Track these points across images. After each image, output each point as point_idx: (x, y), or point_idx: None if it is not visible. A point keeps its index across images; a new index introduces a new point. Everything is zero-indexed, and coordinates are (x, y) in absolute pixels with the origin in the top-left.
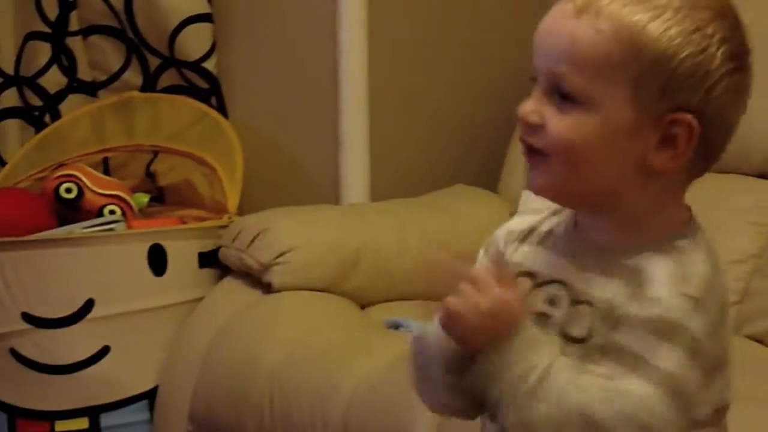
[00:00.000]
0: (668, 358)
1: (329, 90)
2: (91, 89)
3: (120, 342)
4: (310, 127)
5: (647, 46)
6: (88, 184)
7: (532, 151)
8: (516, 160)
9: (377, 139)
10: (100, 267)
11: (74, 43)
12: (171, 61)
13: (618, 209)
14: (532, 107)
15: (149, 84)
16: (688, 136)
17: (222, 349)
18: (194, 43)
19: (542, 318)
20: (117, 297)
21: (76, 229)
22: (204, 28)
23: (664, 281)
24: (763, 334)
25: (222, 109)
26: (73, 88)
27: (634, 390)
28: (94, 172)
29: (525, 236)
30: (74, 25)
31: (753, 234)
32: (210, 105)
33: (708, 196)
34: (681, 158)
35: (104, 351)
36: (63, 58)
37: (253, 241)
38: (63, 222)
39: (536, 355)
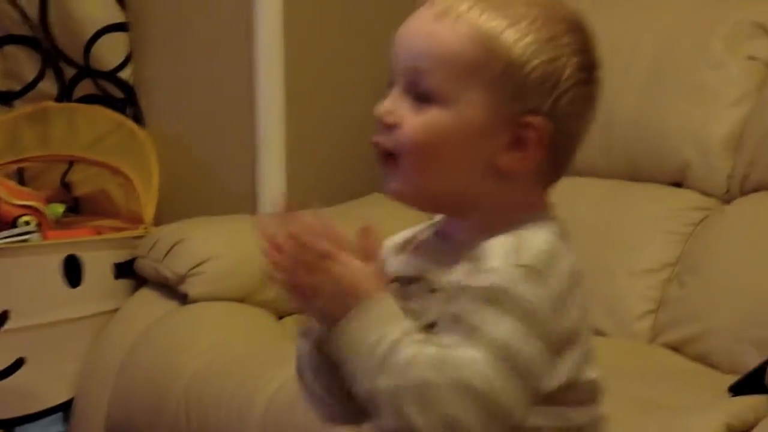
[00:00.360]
0: (497, 324)
1: (245, 99)
2: (6, 99)
3: (35, 354)
4: (226, 136)
5: (502, 51)
6: (3, 194)
7: (385, 155)
8: None
9: (294, 148)
10: (15, 278)
11: None
12: (86, 70)
13: (472, 210)
14: (388, 107)
15: (65, 94)
16: (537, 138)
17: (138, 360)
18: (109, 52)
19: (407, 314)
20: (32, 308)
21: None
22: (119, 37)
23: (498, 254)
24: (678, 342)
25: (138, 119)
26: None
27: (465, 356)
28: (9, 183)
29: (401, 248)
30: None
31: (667, 243)
32: (126, 115)
33: (623, 205)
34: (530, 160)
35: (19, 363)
36: None
37: (169, 251)
38: None
39: (388, 327)
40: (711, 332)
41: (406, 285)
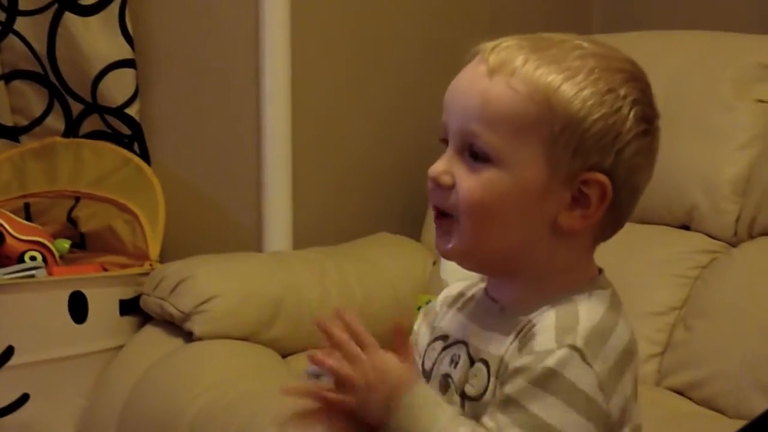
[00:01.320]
0: (547, 408)
1: (252, 138)
2: (12, 134)
3: (40, 390)
4: (232, 174)
5: (561, 106)
6: (9, 229)
7: (441, 216)
8: None
9: (300, 186)
10: (21, 314)
11: None
12: (94, 106)
13: (526, 269)
14: (443, 167)
15: (72, 129)
16: (600, 196)
17: (142, 397)
18: (117, 89)
19: (446, 378)
20: (37, 344)
21: None
22: (127, 73)
23: (548, 332)
24: (684, 386)
25: (144, 156)
26: None
27: None
28: (16, 218)
29: (453, 301)
30: None
31: (674, 286)
32: (132, 151)
33: (630, 247)
34: (592, 218)
35: (24, 399)
36: None
37: (174, 288)
38: None
39: (430, 416)
40: (717, 376)
41: (448, 347)
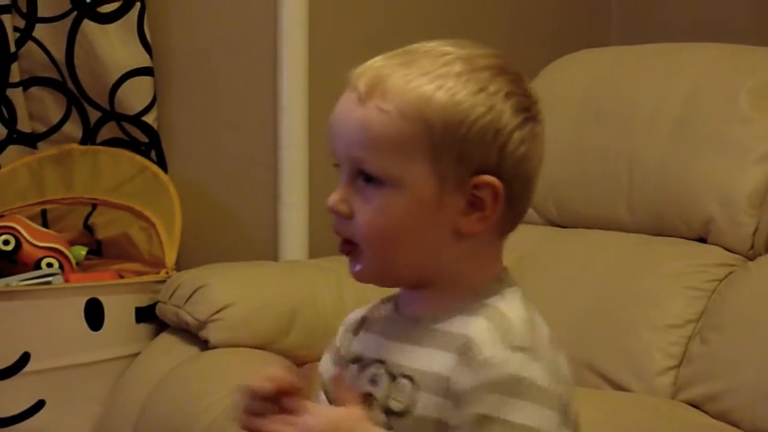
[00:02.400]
0: (524, 413)
1: (269, 146)
2: (30, 141)
3: (55, 396)
4: (249, 182)
5: (435, 117)
6: (26, 236)
7: (345, 242)
8: None
9: (316, 195)
10: (37, 320)
11: (14, 94)
12: (111, 114)
13: (439, 278)
14: (339, 196)
15: (89, 136)
16: (492, 196)
17: (158, 405)
18: (135, 96)
19: (368, 398)
20: (53, 351)
21: (13, 281)
22: (145, 81)
23: (490, 341)
24: (700, 399)
25: (161, 163)
26: (13, 140)
27: None
28: (33, 224)
29: (358, 327)
30: (15, 76)
31: (690, 299)
32: (150, 159)
33: (646, 259)
34: (490, 219)
35: (39, 405)
36: (3, 110)
37: (190, 297)
38: (0, 274)
39: None
40: (733, 390)
41: (364, 368)
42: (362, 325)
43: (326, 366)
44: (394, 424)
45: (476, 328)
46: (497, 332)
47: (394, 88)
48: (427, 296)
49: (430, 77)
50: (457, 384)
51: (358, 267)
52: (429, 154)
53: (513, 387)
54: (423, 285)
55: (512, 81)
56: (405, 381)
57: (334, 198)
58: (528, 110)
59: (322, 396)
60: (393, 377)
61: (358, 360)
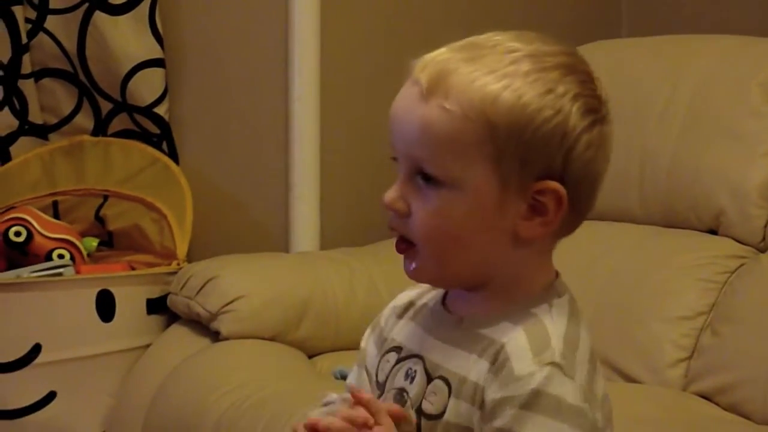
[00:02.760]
0: (536, 427)
1: (280, 137)
2: (42, 132)
3: (66, 388)
4: (260, 174)
5: (500, 119)
6: (38, 227)
7: (403, 241)
8: None
9: (328, 187)
10: (48, 312)
11: (26, 85)
12: (123, 105)
13: (494, 281)
14: (396, 194)
15: (100, 128)
16: (556, 202)
17: (169, 396)
18: (146, 88)
19: (401, 393)
20: (64, 342)
21: (25, 273)
22: (156, 73)
23: (523, 354)
24: (711, 391)
25: (173, 155)
26: (24, 131)
27: None
28: (44, 216)
29: (403, 311)
30: (27, 67)
31: (701, 291)
32: (161, 150)
33: (658, 251)
34: (552, 224)
35: (50, 396)
36: (15, 101)
37: (201, 288)
38: (11, 265)
39: None
40: (744, 382)
41: (403, 359)
42: (407, 309)
43: (368, 345)
44: (424, 425)
45: (513, 338)
46: (533, 346)
47: (458, 86)
48: (477, 298)
49: (497, 75)
50: (486, 393)
51: (413, 266)
52: (491, 156)
53: (532, 401)
54: (477, 287)
55: (581, 81)
56: (441, 383)
57: (390, 195)
58: (596, 111)
59: (363, 374)
60: (429, 377)
61: (398, 349)
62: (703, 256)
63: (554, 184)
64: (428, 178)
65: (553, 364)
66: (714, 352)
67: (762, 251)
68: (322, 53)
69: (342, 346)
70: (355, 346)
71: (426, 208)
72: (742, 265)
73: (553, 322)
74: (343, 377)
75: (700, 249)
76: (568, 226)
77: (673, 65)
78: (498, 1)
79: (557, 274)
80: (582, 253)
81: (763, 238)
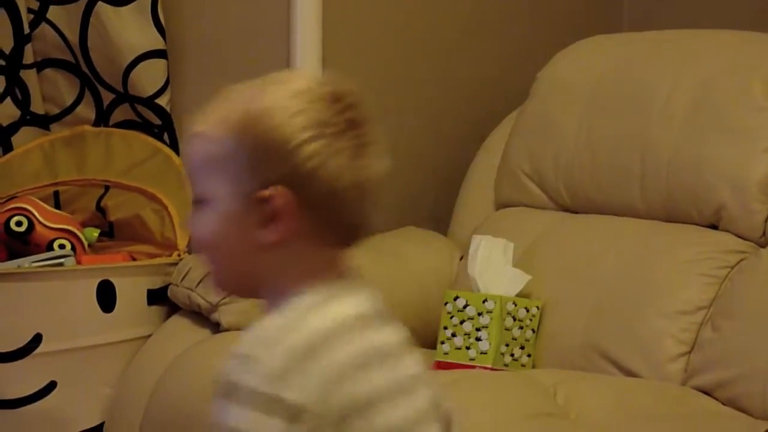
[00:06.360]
0: (231, 415)
1: None
2: (43, 122)
3: (67, 378)
4: None
5: (221, 139)
6: (39, 217)
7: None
8: (467, 203)
9: None
10: (49, 302)
11: (28, 75)
12: (124, 96)
13: (262, 287)
14: (188, 219)
15: (102, 118)
16: (283, 206)
17: (169, 387)
18: (148, 79)
19: None
20: (65, 332)
21: (26, 263)
22: (158, 64)
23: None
24: (710, 386)
25: (174, 146)
26: (26, 121)
27: None
28: (45, 206)
29: None
30: (29, 58)
31: (702, 285)
32: (162, 141)
33: (658, 246)
34: (288, 228)
35: (51, 386)
36: (17, 91)
37: (202, 279)
38: (12, 255)
39: None
40: (744, 376)
41: None
42: None
43: None
44: None
45: (242, 339)
46: (244, 338)
47: (202, 117)
48: (266, 305)
49: (219, 106)
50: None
51: (211, 276)
52: (221, 172)
53: (228, 392)
54: (254, 294)
55: (311, 100)
56: None
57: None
58: (321, 127)
59: None
60: None
61: None
62: (703, 250)
63: (275, 189)
64: (195, 202)
65: (241, 355)
66: (714, 347)
67: (762, 246)
68: (324, 45)
69: None
70: None
71: (192, 224)
72: (742, 260)
73: (273, 317)
74: None
75: (701, 243)
76: (326, 232)
77: (674, 60)
78: None
79: (331, 279)
80: (583, 246)
81: (764, 233)
